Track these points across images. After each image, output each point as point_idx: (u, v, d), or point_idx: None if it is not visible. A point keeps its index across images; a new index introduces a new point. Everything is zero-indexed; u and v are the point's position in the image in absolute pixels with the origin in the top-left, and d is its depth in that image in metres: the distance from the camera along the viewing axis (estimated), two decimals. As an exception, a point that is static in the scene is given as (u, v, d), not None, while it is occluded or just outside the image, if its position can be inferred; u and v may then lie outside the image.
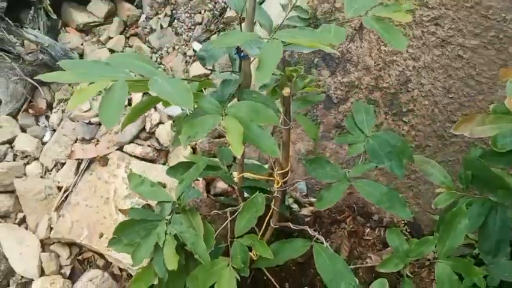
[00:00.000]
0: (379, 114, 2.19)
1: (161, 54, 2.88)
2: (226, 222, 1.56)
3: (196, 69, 2.75)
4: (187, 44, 2.87)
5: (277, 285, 1.69)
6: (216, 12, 2.87)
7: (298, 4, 1.40)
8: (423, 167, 1.62)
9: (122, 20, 2.97)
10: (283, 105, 1.33)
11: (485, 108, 2.01)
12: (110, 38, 2.93)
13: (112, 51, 2.89)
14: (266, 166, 2.07)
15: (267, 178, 1.72)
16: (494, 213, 1.48)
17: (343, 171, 1.53)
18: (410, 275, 2.04)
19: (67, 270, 2.35)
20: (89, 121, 2.60)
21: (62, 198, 2.44)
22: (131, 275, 2.27)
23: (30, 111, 2.71)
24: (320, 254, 1.50)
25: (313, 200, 2.39)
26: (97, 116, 2.61)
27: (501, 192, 1.46)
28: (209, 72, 2.62)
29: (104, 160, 2.47)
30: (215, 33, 2.87)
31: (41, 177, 2.54)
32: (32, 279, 2.30)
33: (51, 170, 2.56)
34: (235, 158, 1.76)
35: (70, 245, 2.38)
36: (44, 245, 2.37)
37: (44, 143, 2.64)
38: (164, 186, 2.29)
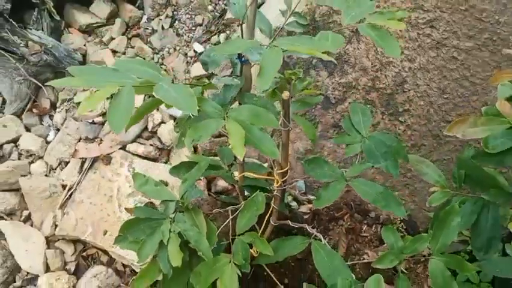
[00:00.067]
0: (376, 114, 2.23)
1: (163, 54, 2.91)
2: (227, 220, 1.58)
3: (197, 69, 2.78)
4: (188, 45, 2.89)
5: (277, 281, 1.72)
6: (216, 13, 2.90)
7: (297, 7, 1.44)
8: (418, 166, 1.67)
9: (124, 21, 2.99)
10: (282, 107, 1.36)
11: (479, 108, 2.05)
12: (112, 38, 2.95)
13: (114, 51, 2.91)
14: (265, 165, 2.11)
15: (267, 177, 1.76)
16: (486, 211, 1.52)
17: (340, 170, 1.57)
18: (405, 271, 2.08)
19: (72, 267, 2.39)
20: (93, 120, 2.64)
21: (67, 196, 2.47)
22: (135, 271, 2.30)
23: (34, 110, 2.74)
24: (318, 251, 1.55)
25: (311, 197, 2.42)
26: (101, 115, 2.65)
27: (493, 191, 1.51)
28: (210, 72, 2.66)
29: (107, 159, 2.51)
30: (215, 34, 2.90)
31: (46, 175, 2.57)
32: (38, 275, 2.33)
33: (55, 169, 2.60)
34: (235, 157, 1.79)
35: (75, 241, 2.41)
36: (49, 241, 2.41)
37: (48, 142, 2.67)
38: (166, 184, 2.33)
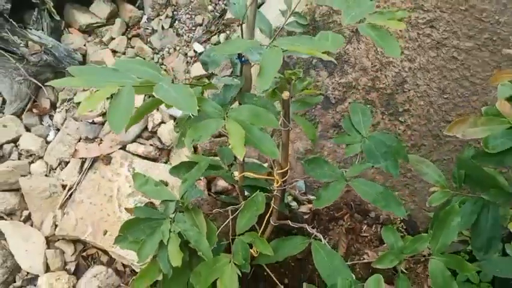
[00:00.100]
0: (376, 114, 2.24)
1: (163, 54, 2.91)
2: (227, 221, 1.59)
3: (197, 69, 2.79)
4: (188, 45, 2.90)
5: (277, 281, 1.72)
6: (216, 13, 2.90)
7: (296, 7, 1.44)
8: (418, 166, 1.67)
9: (124, 21, 2.99)
10: (282, 107, 1.36)
11: (479, 108, 2.06)
12: (112, 38, 2.95)
13: (114, 51, 2.91)
14: (265, 165, 2.11)
15: (267, 177, 1.77)
16: (486, 211, 1.53)
17: (340, 170, 1.57)
18: (405, 271, 2.09)
19: (72, 267, 2.39)
20: (93, 120, 2.64)
21: (67, 196, 2.48)
22: (135, 271, 2.31)
23: (34, 110, 2.74)
24: (318, 251, 1.55)
25: (311, 197, 2.42)
26: (100, 115, 2.65)
27: (493, 191, 1.51)
28: (210, 72, 2.66)
29: (107, 159, 2.52)
30: (215, 34, 2.90)
31: (46, 175, 2.58)
32: (38, 275, 2.34)
33: (55, 169, 2.60)
34: (235, 157, 1.79)
35: (75, 241, 2.42)
36: (49, 241, 2.41)
37: (48, 142, 2.67)
38: (166, 184, 2.33)
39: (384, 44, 1.19)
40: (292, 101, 1.59)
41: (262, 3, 2.67)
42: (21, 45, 2.61)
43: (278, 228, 1.77)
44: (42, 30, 2.74)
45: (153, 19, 2.97)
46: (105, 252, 2.39)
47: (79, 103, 2.74)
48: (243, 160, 1.62)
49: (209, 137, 1.11)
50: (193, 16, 2.92)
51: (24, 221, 2.47)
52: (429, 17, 2.06)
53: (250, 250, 1.57)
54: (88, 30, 3.01)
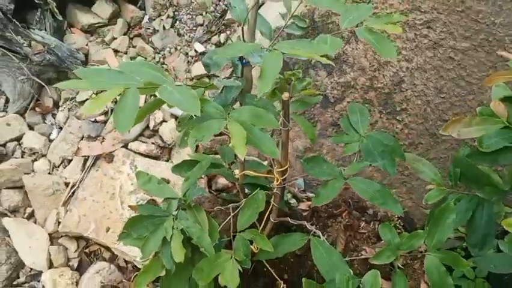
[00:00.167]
0: (374, 113, 2.26)
1: (164, 54, 2.93)
2: (228, 218, 1.61)
3: (198, 69, 2.81)
4: (189, 45, 2.92)
5: (276, 277, 1.74)
6: (217, 14, 2.93)
7: (295, 7, 1.46)
8: (414, 165, 1.69)
9: (126, 21, 3.01)
10: (282, 107, 1.38)
11: (475, 107, 2.07)
12: (114, 38, 2.98)
13: (116, 51, 2.94)
14: (265, 163, 2.14)
15: (267, 175, 1.80)
16: (481, 209, 1.54)
17: (339, 169, 1.60)
18: (402, 267, 2.11)
19: (75, 263, 2.42)
20: (95, 119, 2.67)
21: (70, 194, 2.51)
22: (137, 267, 2.34)
23: (37, 109, 2.77)
24: (317, 247, 1.58)
25: (310, 195, 2.45)
26: (103, 114, 2.68)
27: (488, 188, 1.53)
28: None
29: (109, 157, 2.54)
30: (216, 34, 2.92)
31: (49, 173, 2.61)
32: (41, 272, 2.37)
33: (58, 167, 2.63)
34: (236, 155, 1.82)
35: (78, 238, 2.45)
36: (53, 238, 2.45)
37: (51, 141, 2.70)
38: (168, 182, 2.36)
39: (380, 46, 1.22)
40: (292, 100, 1.61)
41: (263, 3, 2.70)
42: (25, 44, 2.64)
43: (278, 225, 1.79)
44: (45, 30, 2.76)
45: (154, 19, 3.00)
46: (107, 248, 2.42)
47: (81, 102, 2.77)
48: (244, 159, 1.65)
49: (211, 136, 1.14)
50: (194, 16, 2.94)
51: (28, 218, 2.51)
52: (427, 18, 2.08)
53: (251, 246, 1.60)
54: (90, 30, 3.04)
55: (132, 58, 2.93)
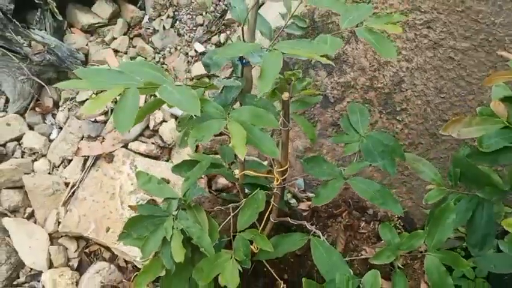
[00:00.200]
0: (374, 113, 2.27)
1: (164, 54, 2.94)
2: (228, 218, 1.61)
3: (198, 69, 2.82)
4: (189, 45, 2.92)
5: (276, 277, 1.75)
6: (216, 14, 2.93)
7: (295, 7, 1.47)
8: (414, 165, 1.69)
9: (126, 21, 3.02)
10: (282, 107, 1.39)
11: (475, 107, 2.08)
12: (114, 38, 2.98)
13: (116, 51, 2.94)
14: (265, 163, 2.14)
15: (267, 175, 1.80)
16: (481, 209, 1.55)
17: (339, 169, 1.60)
18: (402, 267, 2.11)
19: (75, 263, 2.43)
20: (95, 119, 2.67)
21: (70, 194, 2.51)
22: (137, 267, 2.34)
23: (37, 109, 2.77)
24: (317, 247, 1.58)
25: (310, 195, 2.45)
26: (103, 114, 2.68)
27: (488, 188, 1.53)
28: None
29: (109, 157, 2.55)
30: (216, 34, 2.93)
31: (49, 173, 2.61)
32: (41, 271, 2.37)
33: (58, 167, 2.63)
34: (236, 155, 1.82)
35: (77, 238, 2.45)
36: (53, 238, 2.45)
37: (51, 141, 2.70)
38: (168, 182, 2.36)
39: (380, 47, 1.22)
40: (292, 100, 1.61)
41: (262, 3, 2.70)
42: (25, 45, 2.64)
43: (278, 225, 1.79)
44: (45, 30, 2.77)
45: (154, 19, 3.00)
46: (107, 248, 2.42)
47: (81, 102, 2.77)
48: (244, 159, 1.65)
49: (211, 136, 1.14)
50: (194, 16, 2.94)
51: (28, 218, 2.51)
52: (427, 18, 2.08)
53: (251, 246, 1.60)
54: (90, 30, 3.04)
55: (132, 58, 2.94)
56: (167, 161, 2.64)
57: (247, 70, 1.40)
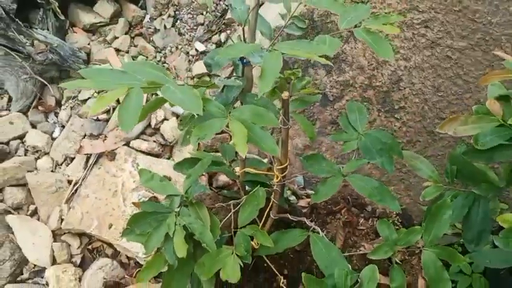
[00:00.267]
0: (372, 111, 2.29)
1: (165, 53, 2.96)
2: (229, 214, 1.63)
3: (199, 68, 2.84)
4: (189, 44, 2.95)
5: (276, 272, 1.76)
6: (217, 13, 2.95)
7: (295, 7, 1.49)
8: (412, 162, 1.71)
9: (128, 20, 3.04)
10: (282, 106, 1.40)
11: (472, 105, 2.07)
12: (116, 37, 3.00)
13: (117, 50, 2.96)
14: (265, 161, 2.16)
15: (267, 173, 1.82)
16: (477, 205, 1.57)
17: (338, 166, 1.61)
18: (400, 262, 2.13)
19: (78, 259, 2.45)
20: (97, 117, 2.70)
21: (72, 191, 2.54)
22: (139, 263, 2.36)
23: (40, 108, 2.80)
24: (316, 243, 1.59)
25: (310, 192, 2.47)
26: (105, 112, 2.71)
27: (483, 185, 1.56)
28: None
29: (111, 155, 2.57)
30: (216, 33, 2.95)
31: (52, 171, 2.64)
32: (45, 268, 2.40)
33: (61, 164, 2.66)
34: (236, 153, 1.84)
35: (80, 235, 2.48)
36: (56, 235, 2.48)
37: (53, 139, 2.73)
38: (169, 179, 2.38)
39: (377, 47, 1.24)
40: (292, 99, 1.63)
41: (262, 3, 2.71)
42: (27, 44, 2.66)
43: (278, 222, 1.80)
44: (48, 29, 2.79)
45: (155, 18, 3.02)
46: (110, 245, 2.45)
47: (83, 100, 2.79)
48: (245, 157, 1.67)
49: (213, 135, 1.17)
50: (194, 16, 2.97)
51: (31, 215, 2.53)
52: (424, 17, 2.11)
53: (251, 242, 1.61)
54: (92, 30, 3.06)
55: (133, 57, 2.96)
56: (168, 158, 2.66)
57: (248, 70, 1.42)
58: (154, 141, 2.66)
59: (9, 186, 2.53)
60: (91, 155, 2.62)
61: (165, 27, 2.99)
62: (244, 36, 1.39)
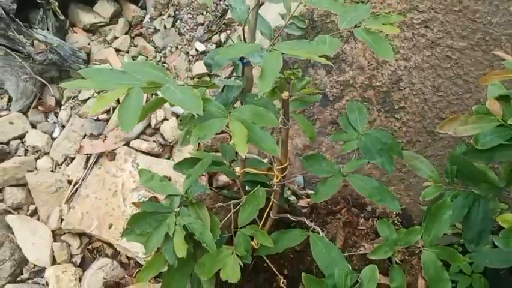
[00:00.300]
0: (372, 111, 2.29)
1: (165, 53, 2.96)
2: (229, 214, 1.63)
3: (199, 68, 2.84)
4: (189, 44, 2.95)
5: (276, 272, 1.77)
6: (217, 13, 2.95)
7: (295, 7, 1.49)
8: (412, 162, 1.71)
9: (128, 20, 3.04)
10: (282, 106, 1.40)
11: (472, 105, 2.08)
12: (116, 37, 3.00)
13: (117, 50, 2.96)
14: (265, 161, 2.16)
15: (267, 173, 1.82)
16: (477, 205, 1.57)
17: (338, 166, 1.61)
18: (400, 262, 2.14)
19: (78, 259, 2.45)
20: (97, 118, 2.70)
21: (72, 191, 2.54)
22: (139, 263, 2.37)
23: (40, 108, 2.80)
24: (316, 243, 1.59)
25: (310, 192, 2.47)
26: (105, 113, 2.71)
27: (483, 185, 1.56)
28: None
29: (111, 155, 2.57)
30: (216, 33, 2.95)
31: (52, 171, 2.64)
32: (45, 268, 2.40)
33: (61, 164, 2.66)
34: (236, 153, 1.84)
35: (80, 235, 2.48)
36: (56, 235, 2.48)
37: (53, 139, 2.73)
38: (169, 179, 2.39)
39: (377, 47, 1.25)
40: (292, 99, 1.63)
41: (262, 3, 2.72)
42: (27, 44, 2.66)
43: (278, 222, 1.81)
44: (48, 29, 2.79)
45: (155, 18, 3.02)
46: (110, 245, 2.45)
47: (83, 100, 2.79)
48: (245, 157, 1.67)
49: (213, 135, 1.17)
50: (194, 16, 2.97)
51: (31, 215, 2.53)
52: (424, 17, 2.11)
53: (251, 242, 1.62)
54: (92, 30, 3.06)
55: (133, 57, 2.96)
56: (168, 158, 2.66)
57: (248, 70, 1.42)
58: (154, 141, 2.66)
59: (9, 186, 2.54)
60: (91, 155, 2.62)
61: (165, 27, 2.99)
62: (244, 36, 1.39)
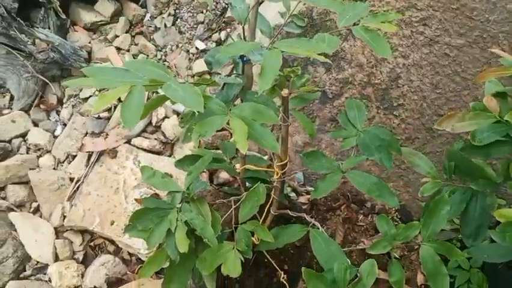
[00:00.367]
0: (371, 108, 2.31)
1: (166, 52, 2.98)
2: (230, 210, 1.64)
3: (199, 66, 2.85)
4: (190, 42, 2.96)
5: (277, 267, 1.78)
6: (217, 12, 2.97)
7: (294, 5, 1.50)
8: (411, 158, 1.72)
9: (128, 19, 3.06)
10: (282, 103, 1.41)
11: (470, 102, 2.11)
12: (116, 36, 3.02)
13: (118, 49, 2.98)
14: (265, 158, 2.17)
15: (267, 169, 1.84)
16: (474, 201, 1.58)
17: (337, 163, 1.62)
18: (398, 257, 2.15)
19: (80, 256, 2.47)
20: (99, 116, 2.72)
21: (74, 189, 2.56)
22: (141, 259, 2.39)
23: (41, 106, 2.82)
24: (316, 238, 1.61)
25: (310, 188, 2.49)
26: (106, 111, 2.73)
27: (481, 181, 1.57)
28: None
29: (113, 152, 2.59)
30: (216, 31, 2.96)
31: (54, 169, 2.66)
32: (48, 264, 2.42)
33: (63, 162, 2.68)
34: (237, 150, 1.86)
35: (82, 232, 2.50)
36: (58, 232, 2.49)
37: (55, 137, 2.75)
38: (170, 176, 2.40)
39: (376, 45, 1.26)
40: (291, 97, 1.64)
41: (261, 2, 2.73)
42: (29, 43, 2.68)
43: (278, 217, 1.82)
44: (49, 28, 2.81)
45: (156, 17, 3.04)
46: (112, 241, 2.47)
47: (85, 99, 2.81)
48: (245, 154, 1.68)
49: (214, 132, 1.18)
50: (194, 14, 2.98)
51: (34, 213, 2.55)
52: (422, 15, 2.12)
53: (252, 238, 1.63)
54: (93, 28, 3.08)
55: (134, 56, 2.98)
56: (169, 156, 2.68)
57: (248, 68, 1.43)
58: (155, 139, 2.68)
59: (12, 184, 2.56)
60: (92, 152, 2.64)
61: (165, 25, 3.00)
62: (244, 34, 1.41)
